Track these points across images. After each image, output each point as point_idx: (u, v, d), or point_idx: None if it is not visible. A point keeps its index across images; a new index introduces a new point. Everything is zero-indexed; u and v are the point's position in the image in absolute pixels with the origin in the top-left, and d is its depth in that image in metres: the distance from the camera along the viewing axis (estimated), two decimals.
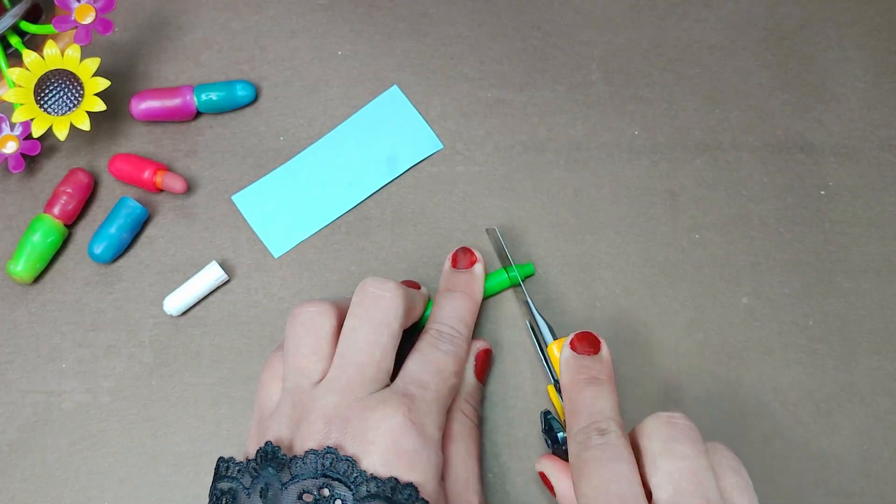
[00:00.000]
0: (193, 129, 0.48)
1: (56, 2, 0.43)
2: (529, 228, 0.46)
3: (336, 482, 0.31)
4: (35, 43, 0.48)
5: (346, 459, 0.32)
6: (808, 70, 0.49)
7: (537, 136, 0.48)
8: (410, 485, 0.32)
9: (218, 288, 0.45)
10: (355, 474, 0.32)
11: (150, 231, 0.46)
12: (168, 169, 0.46)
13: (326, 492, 0.31)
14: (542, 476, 0.39)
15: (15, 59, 0.48)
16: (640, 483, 0.32)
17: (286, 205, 0.46)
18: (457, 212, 0.46)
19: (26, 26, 0.46)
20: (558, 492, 0.37)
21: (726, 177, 0.47)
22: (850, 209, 0.47)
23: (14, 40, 0.46)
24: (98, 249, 0.44)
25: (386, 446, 0.33)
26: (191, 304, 0.44)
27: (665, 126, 0.48)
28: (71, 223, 0.46)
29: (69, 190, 0.45)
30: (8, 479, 0.42)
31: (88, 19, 0.43)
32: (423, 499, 0.32)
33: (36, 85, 0.44)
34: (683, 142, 0.48)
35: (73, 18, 0.43)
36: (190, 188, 0.47)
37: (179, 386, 0.44)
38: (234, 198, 0.47)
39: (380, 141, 0.48)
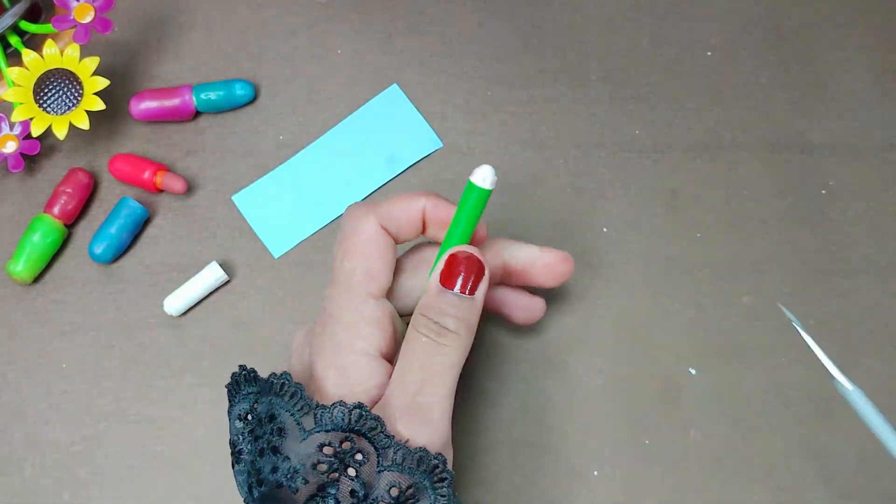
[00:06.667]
0: (193, 129, 0.48)
1: (55, 1, 0.43)
2: (529, 227, 0.46)
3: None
4: (34, 42, 0.48)
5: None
6: (808, 70, 0.49)
7: (537, 135, 0.48)
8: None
9: (218, 288, 0.45)
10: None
11: (150, 231, 0.46)
12: (168, 169, 0.46)
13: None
14: None
15: (14, 58, 0.47)
16: None
17: (286, 204, 0.46)
18: None
19: (26, 26, 0.46)
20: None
21: (726, 176, 0.47)
22: (850, 209, 0.47)
23: (13, 40, 0.46)
24: (98, 249, 0.44)
25: None
26: (191, 305, 0.44)
27: (665, 126, 0.48)
28: (71, 223, 0.46)
29: (69, 190, 0.45)
30: (8, 479, 0.42)
31: (87, 18, 0.43)
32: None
33: (35, 84, 0.44)
34: (683, 141, 0.48)
35: (72, 17, 0.43)
36: (190, 188, 0.46)
37: (180, 386, 0.44)
38: (234, 198, 0.46)
39: (379, 140, 0.47)
